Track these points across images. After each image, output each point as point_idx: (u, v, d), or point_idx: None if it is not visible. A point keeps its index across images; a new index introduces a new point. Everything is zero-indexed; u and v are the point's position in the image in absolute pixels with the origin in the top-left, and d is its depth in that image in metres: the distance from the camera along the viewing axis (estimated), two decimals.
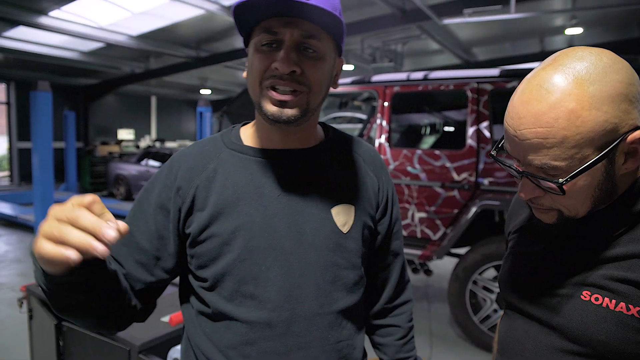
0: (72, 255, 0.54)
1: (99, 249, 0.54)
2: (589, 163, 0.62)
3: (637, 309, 0.65)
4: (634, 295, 0.65)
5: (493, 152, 0.75)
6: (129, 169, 10.23)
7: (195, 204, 0.83)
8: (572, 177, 0.63)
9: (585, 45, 0.67)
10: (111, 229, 0.54)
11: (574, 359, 0.71)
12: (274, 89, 0.77)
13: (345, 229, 0.86)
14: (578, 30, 8.13)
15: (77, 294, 0.68)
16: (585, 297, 0.70)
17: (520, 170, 0.69)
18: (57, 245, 0.55)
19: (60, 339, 2.01)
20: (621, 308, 0.66)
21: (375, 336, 1.05)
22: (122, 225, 0.56)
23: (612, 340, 0.66)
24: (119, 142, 13.91)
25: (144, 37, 8.61)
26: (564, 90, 0.61)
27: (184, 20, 7.76)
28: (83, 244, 0.54)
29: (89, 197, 0.57)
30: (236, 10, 0.74)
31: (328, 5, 0.73)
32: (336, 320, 0.85)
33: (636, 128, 0.62)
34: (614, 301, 0.67)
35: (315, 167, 0.88)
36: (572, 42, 9.66)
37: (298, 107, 0.78)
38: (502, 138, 0.72)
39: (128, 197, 10.26)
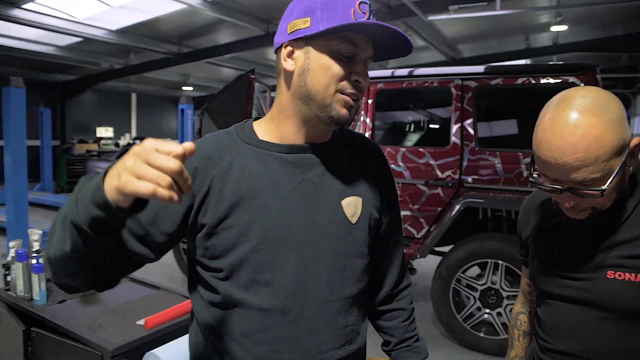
0: (174, 196, 0.58)
1: (175, 198, 0.58)
2: (618, 169, 0.84)
3: None
4: None
5: (532, 180, 0.94)
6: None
7: (210, 195, 0.86)
8: (610, 183, 0.84)
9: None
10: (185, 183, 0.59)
11: (611, 324, 0.92)
12: (346, 94, 0.86)
13: (354, 220, 0.93)
14: (563, 28, 8.20)
15: (115, 235, 0.71)
16: (610, 275, 0.91)
17: (563, 187, 0.88)
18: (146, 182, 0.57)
19: (29, 345, 1.92)
20: None
21: (382, 321, 1.12)
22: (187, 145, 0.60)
23: (637, 304, 0.88)
24: (98, 140, 13.65)
25: (124, 31, 8.43)
26: (587, 123, 0.81)
27: (165, 15, 7.61)
28: (167, 192, 0.57)
29: (172, 147, 0.58)
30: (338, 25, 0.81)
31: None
32: (344, 307, 0.92)
33: (632, 137, 0.87)
34: (633, 274, 0.88)
35: (328, 161, 0.94)
36: (557, 39, 9.75)
37: (356, 112, 0.89)
38: (532, 166, 0.95)
39: None
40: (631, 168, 0.91)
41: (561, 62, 3.11)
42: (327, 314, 0.90)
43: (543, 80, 3.08)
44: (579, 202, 0.90)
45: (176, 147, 0.58)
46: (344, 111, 0.86)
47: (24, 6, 6.95)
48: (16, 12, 7.01)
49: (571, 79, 3.00)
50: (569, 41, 9.86)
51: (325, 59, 0.85)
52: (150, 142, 0.59)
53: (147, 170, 0.57)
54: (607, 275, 0.91)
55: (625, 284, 0.89)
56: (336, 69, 0.84)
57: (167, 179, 0.57)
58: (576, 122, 0.82)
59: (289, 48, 0.88)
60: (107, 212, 0.63)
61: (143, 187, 0.57)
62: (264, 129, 0.94)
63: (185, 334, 1.53)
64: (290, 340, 0.87)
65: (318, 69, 0.85)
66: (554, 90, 3.02)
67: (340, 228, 0.91)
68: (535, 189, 1.07)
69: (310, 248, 0.88)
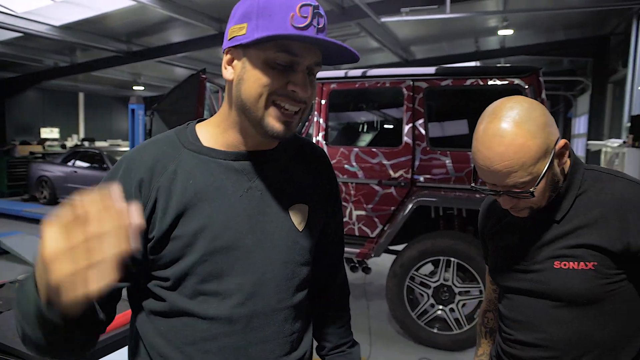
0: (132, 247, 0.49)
1: (133, 245, 0.49)
2: (544, 172, 0.92)
3: (591, 263, 0.95)
4: (586, 255, 0.95)
5: (474, 184, 1.04)
6: (54, 171, 9.58)
7: (157, 207, 0.82)
8: (537, 184, 0.92)
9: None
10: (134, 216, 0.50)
11: (563, 311, 0.99)
12: (280, 107, 0.80)
13: (301, 227, 0.91)
14: (509, 32, 8.54)
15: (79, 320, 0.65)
16: (556, 265, 0.98)
17: (500, 191, 0.96)
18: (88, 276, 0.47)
19: None
20: (582, 266, 0.96)
21: (319, 325, 1.11)
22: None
23: (583, 290, 0.95)
24: (42, 141, 13.01)
25: (69, 27, 8.06)
26: (512, 132, 0.89)
27: (113, 12, 7.35)
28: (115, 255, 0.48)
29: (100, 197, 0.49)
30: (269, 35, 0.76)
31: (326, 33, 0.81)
32: (291, 315, 0.91)
33: (557, 139, 0.95)
34: (576, 262, 0.96)
35: (275, 168, 0.91)
36: (504, 43, 10.15)
37: (296, 125, 0.84)
38: (474, 173, 1.02)
39: (53, 201, 9.62)
40: (565, 166, 0.99)
41: (508, 65, 3.22)
42: (274, 323, 0.88)
43: (490, 82, 3.18)
44: (516, 203, 0.98)
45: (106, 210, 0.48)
46: (278, 126, 0.81)
47: None
48: None
49: (516, 81, 3.11)
50: (515, 45, 10.31)
51: (259, 69, 0.80)
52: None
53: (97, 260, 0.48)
54: (554, 266, 0.98)
55: (570, 272, 0.96)
56: (267, 79, 0.79)
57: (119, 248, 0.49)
58: (502, 132, 0.90)
59: (229, 55, 0.83)
60: (56, 323, 0.61)
61: (105, 278, 0.48)
62: (210, 134, 0.90)
63: (124, 346, 1.46)
64: (238, 350, 0.85)
65: (251, 80, 0.80)
66: (500, 91, 3.16)
67: (288, 236, 0.89)
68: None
69: (258, 257, 0.86)
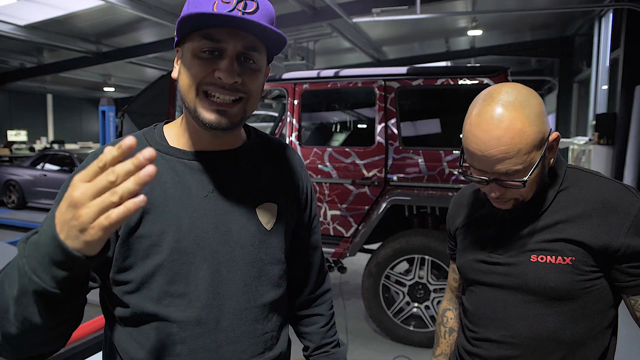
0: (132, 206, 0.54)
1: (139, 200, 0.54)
2: (538, 161, 0.90)
3: (569, 258, 0.93)
4: (564, 249, 0.94)
5: (460, 171, 0.98)
6: (22, 174, 9.29)
7: None
8: (530, 174, 0.90)
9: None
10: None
11: (535, 306, 0.97)
12: (211, 96, 0.80)
13: (269, 227, 0.91)
14: (478, 32, 8.70)
15: (82, 288, 0.67)
16: (533, 259, 0.97)
17: (489, 178, 0.93)
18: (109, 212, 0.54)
19: None
20: (560, 260, 0.94)
21: (300, 326, 1.11)
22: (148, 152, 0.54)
23: (559, 285, 0.94)
24: (9, 144, 12.61)
25: (34, 27, 7.84)
26: (510, 117, 0.86)
27: (81, 11, 7.18)
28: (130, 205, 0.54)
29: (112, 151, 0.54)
30: (182, 18, 0.75)
31: (268, 20, 0.80)
32: (262, 314, 0.90)
33: (550, 131, 0.93)
34: (554, 257, 0.95)
35: (240, 167, 0.91)
36: (473, 43, 10.35)
37: (236, 115, 0.83)
38: (461, 159, 0.99)
39: (21, 205, 9.32)
40: (551, 161, 0.97)
41: (477, 65, 3.28)
42: (244, 323, 0.88)
43: (461, 82, 3.24)
44: (504, 192, 0.95)
45: (127, 163, 0.54)
46: (210, 116, 0.80)
47: None
48: None
49: (486, 80, 3.18)
50: (485, 45, 10.53)
51: (188, 60, 0.81)
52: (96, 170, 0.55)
53: (115, 194, 0.54)
54: (531, 259, 0.97)
55: (547, 266, 0.95)
56: (195, 69, 0.79)
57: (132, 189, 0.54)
58: (500, 116, 0.87)
59: (178, 53, 0.85)
60: (73, 268, 0.59)
61: (124, 211, 0.54)
62: (174, 134, 0.90)
63: (99, 351, 1.43)
64: (209, 351, 0.85)
65: (183, 73, 0.82)
66: (470, 90, 3.22)
67: (254, 235, 0.89)
68: (462, 185, 1.11)
69: (224, 257, 0.86)
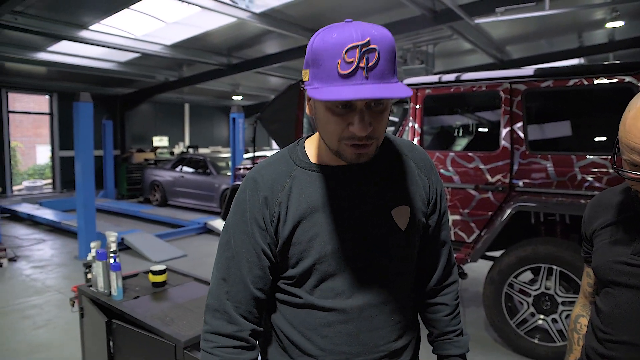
0: None
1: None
2: None
3: None
4: None
5: (615, 166, 0.98)
6: (164, 175, 10.53)
7: (280, 219, 0.98)
8: None
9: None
10: None
11: None
12: (350, 143, 0.88)
13: (403, 227, 1.01)
14: (619, 24, 7.82)
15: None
16: None
17: None
18: None
19: (110, 336, 2.12)
20: None
21: (427, 313, 1.19)
22: None
23: None
24: (154, 149, 14.28)
25: (177, 46, 8.86)
26: None
27: (215, 29, 7.94)
28: None
29: None
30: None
31: (389, 57, 0.83)
32: (398, 306, 1.03)
33: None
34: None
35: (375, 175, 1.01)
36: (613, 36, 9.30)
37: (372, 152, 0.92)
38: (614, 155, 0.99)
39: (163, 203, 10.55)
40: None
41: (617, 62, 3.00)
42: (383, 313, 1.01)
43: (597, 81, 3.00)
44: None
45: None
46: (354, 156, 0.90)
47: (91, 27, 7.49)
48: (84, 34, 7.56)
49: (627, 79, 2.88)
50: (626, 37, 9.38)
51: (322, 114, 0.89)
52: None
53: None
54: None
55: None
56: (331, 126, 0.88)
57: None
58: None
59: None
60: None
61: None
62: (315, 152, 1.02)
63: None
64: (350, 336, 0.99)
65: (322, 123, 0.91)
66: (609, 91, 2.98)
67: (392, 237, 1.00)
68: (597, 192, 1.11)
69: (366, 258, 0.99)
